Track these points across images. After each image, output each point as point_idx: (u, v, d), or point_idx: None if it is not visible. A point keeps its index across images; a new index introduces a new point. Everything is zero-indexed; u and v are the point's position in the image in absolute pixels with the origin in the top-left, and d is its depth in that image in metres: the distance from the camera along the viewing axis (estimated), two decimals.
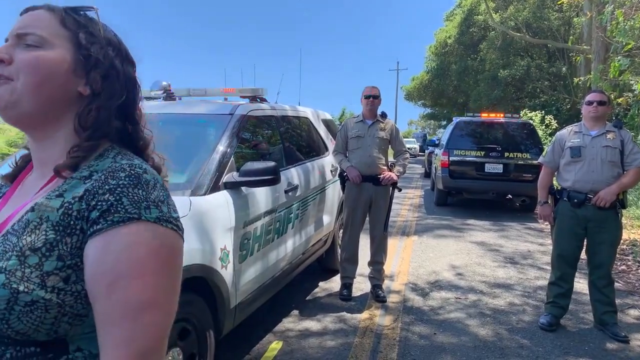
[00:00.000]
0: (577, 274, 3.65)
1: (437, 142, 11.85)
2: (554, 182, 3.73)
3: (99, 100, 0.78)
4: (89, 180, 0.72)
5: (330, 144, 4.74)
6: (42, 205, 0.71)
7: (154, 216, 0.69)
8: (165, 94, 3.72)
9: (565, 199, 3.48)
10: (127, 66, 0.83)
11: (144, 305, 0.66)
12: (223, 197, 2.61)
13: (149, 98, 3.69)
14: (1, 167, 3.00)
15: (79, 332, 0.70)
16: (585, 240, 3.50)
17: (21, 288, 0.65)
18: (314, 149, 4.45)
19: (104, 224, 0.67)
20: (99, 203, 0.68)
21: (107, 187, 0.69)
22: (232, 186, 2.71)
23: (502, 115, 9.46)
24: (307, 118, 4.58)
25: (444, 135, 10.76)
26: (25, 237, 0.69)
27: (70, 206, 0.70)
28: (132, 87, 0.83)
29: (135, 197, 0.69)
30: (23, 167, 0.88)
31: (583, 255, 3.58)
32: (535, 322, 3.68)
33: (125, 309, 0.65)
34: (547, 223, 3.82)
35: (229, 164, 2.81)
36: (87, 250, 0.68)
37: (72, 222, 0.69)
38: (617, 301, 3.61)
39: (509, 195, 9.32)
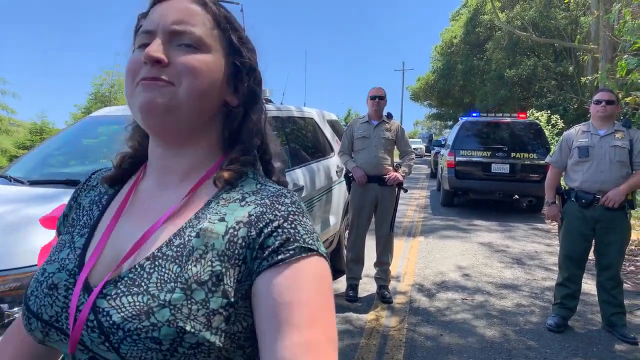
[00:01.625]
0: (585, 275, 3.62)
1: (443, 142, 11.82)
2: (562, 182, 3.71)
3: (253, 113, 0.72)
4: (245, 203, 0.65)
5: (336, 144, 4.73)
6: (207, 230, 0.63)
7: (323, 250, 0.65)
8: None
9: (573, 199, 3.45)
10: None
11: (335, 340, 0.62)
12: None
13: None
14: (10, 169, 3.02)
15: None
16: (594, 241, 3.48)
17: (188, 327, 0.57)
18: (319, 150, 4.45)
19: (286, 254, 0.60)
20: (277, 230, 0.62)
21: (278, 213, 0.63)
22: None
23: (523, 115, 9.41)
24: (312, 119, 4.58)
25: (450, 135, 10.73)
26: (190, 266, 0.60)
27: (235, 232, 0.62)
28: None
29: (307, 228, 0.64)
30: (129, 170, 0.77)
31: (591, 256, 3.56)
32: (543, 323, 3.66)
33: (327, 340, 0.59)
34: (555, 223, 3.80)
35: None
36: (267, 280, 0.60)
37: (236, 251, 0.61)
38: (626, 302, 3.57)
39: (516, 196, 9.28)
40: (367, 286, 4.37)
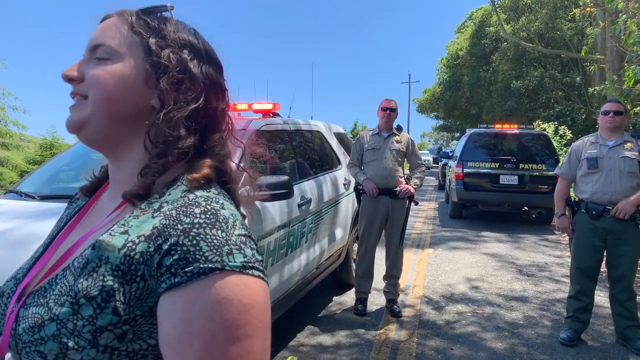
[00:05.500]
0: (597, 287, 3.57)
1: (450, 154, 11.79)
2: (571, 194, 3.68)
3: (168, 111, 0.68)
4: (158, 214, 0.61)
5: (343, 157, 4.74)
6: (103, 242, 0.60)
7: (239, 263, 0.57)
8: None
9: (583, 210, 3.42)
10: (208, 69, 0.72)
11: None
12: None
13: None
14: (21, 185, 3.06)
15: None
16: (605, 252, 3.43)
17: (71, 344, 0.56)
18: (326, 162, 4.46)
19: (183, 277, 0.55)
20: (173, 248, 0.56)
21: (180, 227, 0.58)
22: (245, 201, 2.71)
23: (516, 126, 9.39)
24: (319, 131, 4.59)
25: (457, 147, 10.70)
26: (82, 280, 0.58)
27: (133, 246, 0.58)
28: (215, 93, 0.72)
29: (214, 241, 0.57)
30: (104, 179, 0.80)
31: (603, 267, 3.51)
32: (555, 336, 3.60)
33: None
34: (565, 235, 3.76)
35: (242, 178, 2.82)
36: (163, 307, 0.56)
37: (132, 267, 0.58)
38: None
39: (525, 207, 9.21)
40: (376, 299, 4.34)
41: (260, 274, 0.60)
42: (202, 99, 0.69)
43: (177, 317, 0.55)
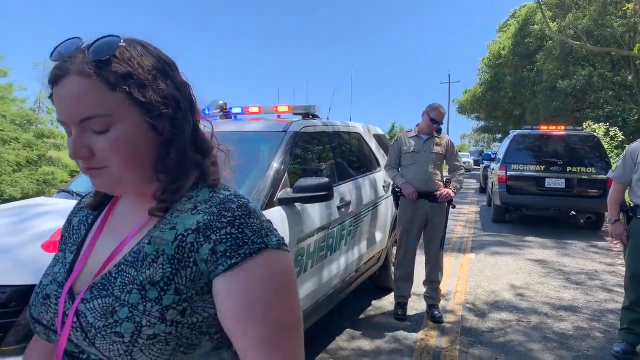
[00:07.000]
0: None
1: (493, 156, 11.46)
2: (626, 199, 3.48)
3: (175, 142, 0.75)
4: (196, 212, 0.73)
5: (382, 159, 4.67)
6: (157, 238, 0.73)
7: (275, 242, 0.72)
8: (221, 113, 3.82)
9: (639, 216, 3.23)
10: (177, 76, 0.77)
11: (295, 326, 0.71)
12: (278, 213, 2.62)
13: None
14: (73, 184, 3.17)
15: (189, 359, 0.72)
16: None
17: (144, 322, 0.67)
18: (365, 165, 4.41)
19: (237, 258, 0.68)
20: (224, 237, 0.69)
21: (224, 220, 0.71)
22: (286, 202, 2.72)
23: (562, 128, 9.01)
24: (358, 133, 4.55)
25: (500, 149, 10.40)
26: (144, 270, 0.70)
27: (184, 239, 0.71)
28: (192, 102, 0.79)
29: (255, 227, 0.71)
30: (106, 194, 0.86)
31: None
32: (607, 348, 3.41)
33: (282, 331, 0.69)
34: (618, 242, 3.56)
35: (283, 180, 2.83)
36: (223, 285, 0.69)
37: (186, 255, 0.70)
38: None
39: (573, 212, 8.82)
40: (416, 305, 4.25)
41: (287, 249, 0.75)
42: (191, 117, 0.78)
43: (239, 290, 0.68)
